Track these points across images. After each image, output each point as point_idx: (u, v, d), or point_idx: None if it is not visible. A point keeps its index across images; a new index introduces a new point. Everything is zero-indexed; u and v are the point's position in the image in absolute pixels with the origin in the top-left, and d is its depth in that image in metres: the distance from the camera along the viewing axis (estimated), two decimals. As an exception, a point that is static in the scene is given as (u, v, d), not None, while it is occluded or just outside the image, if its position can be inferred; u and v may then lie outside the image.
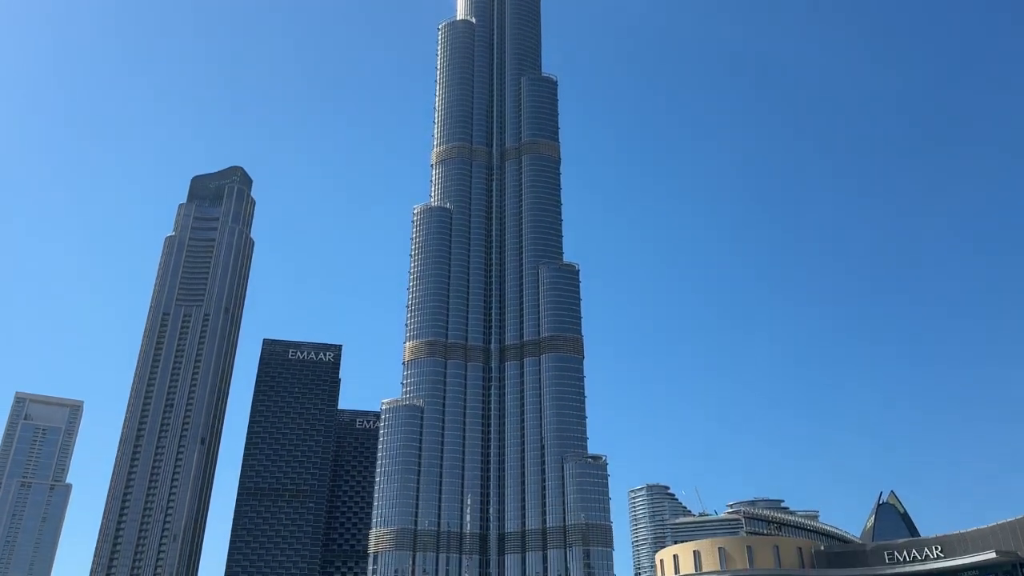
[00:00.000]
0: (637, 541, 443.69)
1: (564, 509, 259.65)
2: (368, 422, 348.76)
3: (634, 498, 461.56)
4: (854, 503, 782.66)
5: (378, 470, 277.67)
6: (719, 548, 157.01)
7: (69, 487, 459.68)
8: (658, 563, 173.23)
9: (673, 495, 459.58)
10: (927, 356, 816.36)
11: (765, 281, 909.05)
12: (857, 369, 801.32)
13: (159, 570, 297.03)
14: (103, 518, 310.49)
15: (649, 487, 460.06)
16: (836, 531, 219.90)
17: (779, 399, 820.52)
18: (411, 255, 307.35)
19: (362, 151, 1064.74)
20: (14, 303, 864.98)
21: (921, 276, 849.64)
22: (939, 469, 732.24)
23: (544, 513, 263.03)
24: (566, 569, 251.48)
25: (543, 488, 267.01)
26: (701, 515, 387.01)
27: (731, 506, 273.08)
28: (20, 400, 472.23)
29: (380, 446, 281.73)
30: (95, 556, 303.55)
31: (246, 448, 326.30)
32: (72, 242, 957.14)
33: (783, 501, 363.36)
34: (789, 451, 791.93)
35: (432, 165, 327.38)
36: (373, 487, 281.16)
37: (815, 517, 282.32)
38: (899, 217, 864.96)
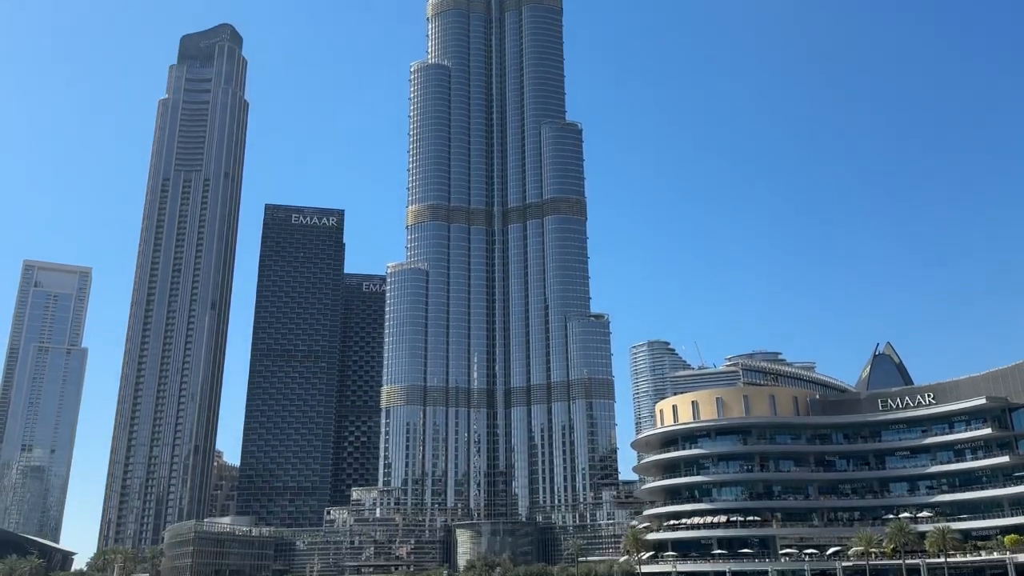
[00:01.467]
0: (638, 394, 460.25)
1: (568, 365, 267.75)
2: (375, 286, 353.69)
3: (635, 354, 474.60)
4: (851, 355, 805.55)
5: (386, 331, 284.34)
6: (717, 398, 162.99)
7: (85, 351, 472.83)
8: (658, 413, 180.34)
9: (673, 350, 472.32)
10: (930, 203, 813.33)
11: (769, 132, 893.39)
12: (858, 219, 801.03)
13: (179, 430, 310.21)
14: (121, 381, 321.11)
15: (650, 343, 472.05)
16: (832, 381, 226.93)
17: (778, 252, 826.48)
18: (410, 117, 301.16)
19: (355, 6, 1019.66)
20: (14, 173, 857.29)
21: (927, 123, 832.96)
22: (936, 320, 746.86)
23: (548, 369, 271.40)
24: (569, 420, 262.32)
25: (547, 346, 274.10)
26: (700, 368, 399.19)
27: (729, 359, 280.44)
28: (29, 268, 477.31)
29: (387, 308, 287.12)
30: (116, 417, 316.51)
31: (256, 312, 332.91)
32: (68, 107, 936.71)
33: (781, 353, 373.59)
34: (787, 305, 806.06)
35: (428, 18, 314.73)
36: (383, 347, 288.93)
37: (812, 368, 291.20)
38: (904, 63, 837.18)
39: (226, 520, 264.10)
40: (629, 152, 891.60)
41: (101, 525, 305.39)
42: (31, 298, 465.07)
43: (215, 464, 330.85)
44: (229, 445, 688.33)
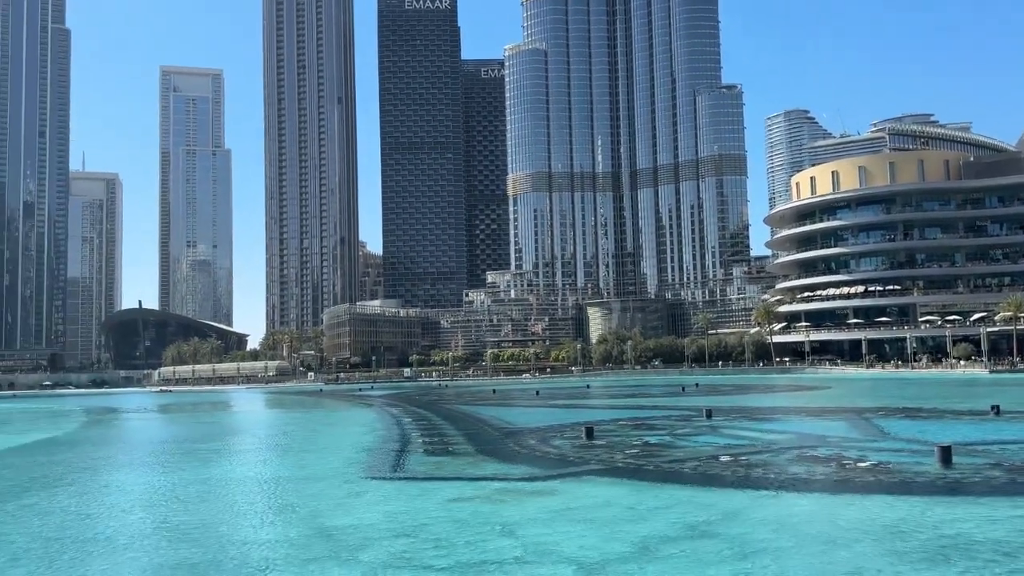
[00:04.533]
0: (773, 168, 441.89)
1: (697, 142, 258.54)
2: (493, 71, 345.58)
3: (770, 125, 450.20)
4: (1012, 114, 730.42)
5: (508, 118, 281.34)
6: (859, 167, 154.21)
7: (229, 152, 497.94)
8: (794, 187, 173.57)
9: (812, 119, 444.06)
10: None
11: None
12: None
13: (324, 223, 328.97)
14: (265, 179, 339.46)
15: (787, 113, 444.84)
16: (989, 141, 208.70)
17: (928, 6, 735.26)
18: None
19: None
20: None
21: None
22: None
23: (676, 147, 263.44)
24: (699, 199, 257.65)
25: (675, 123, 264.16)
26: (842, 137, 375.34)
27: (875, 125, 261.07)
28: (166, 74, 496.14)
29: (507, 94, 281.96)
30: (266, 213, 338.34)
31: (381, 105, 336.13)
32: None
33: (933, 115, 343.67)
34: (941, 63, 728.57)
35: None
36: (506, 135, 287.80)
37: (967, 130, 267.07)
38: None
39: (375, 303, 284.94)
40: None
41: (267, 310, 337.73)
42: (172, 103, 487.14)
43: (360, 253, 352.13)
44: (370, 236, 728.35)
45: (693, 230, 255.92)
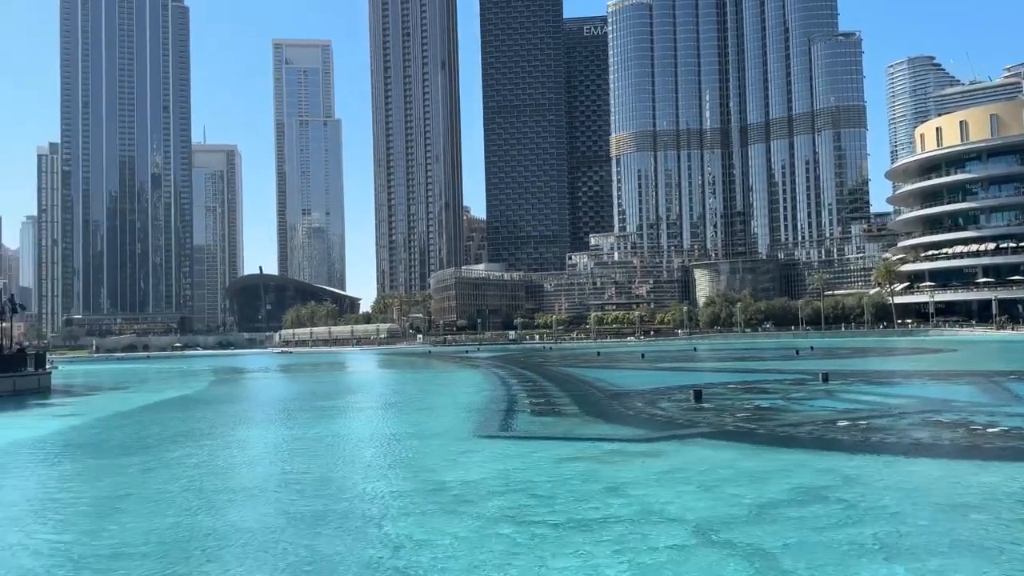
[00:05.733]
0: (895, 119, 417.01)
1: (812, 94, 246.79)
2: (596, 28, 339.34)
3: (892, 74, 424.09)
4: None
5: (611, 76, 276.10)
6: (991, 115, 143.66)
7: (339, 122, 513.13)
8: (917, 138, 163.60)
9: (938, 65, 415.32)
10: None
11: None
12: None
13: (430, 189, 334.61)
14: (373, 147, 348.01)
15: (910, 60, 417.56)
16: None
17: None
18: None
19: None
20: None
21: None
22: None
23: (790, 100, 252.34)
24: (814, 153, 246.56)
25: (788, 74, 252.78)
26: (971, 84, 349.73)
27: (1008, 69, 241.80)
28: (278, 46, 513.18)
29: (610, 51, 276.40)
30: (375, 180, 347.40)
31: (483, 69, 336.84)
32: None
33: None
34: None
35: None
36: (608, 94, 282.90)
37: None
38: None
39: (480, 267, 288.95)
40: None
41: (377, 275, 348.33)
42: (284, 75, 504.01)
43: (465, 218, 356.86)
44: (474, 201, 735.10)
45: (808, 187, 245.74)
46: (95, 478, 18.46)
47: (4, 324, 68.62)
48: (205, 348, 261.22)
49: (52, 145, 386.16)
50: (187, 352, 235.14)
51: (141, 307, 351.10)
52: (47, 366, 59.38)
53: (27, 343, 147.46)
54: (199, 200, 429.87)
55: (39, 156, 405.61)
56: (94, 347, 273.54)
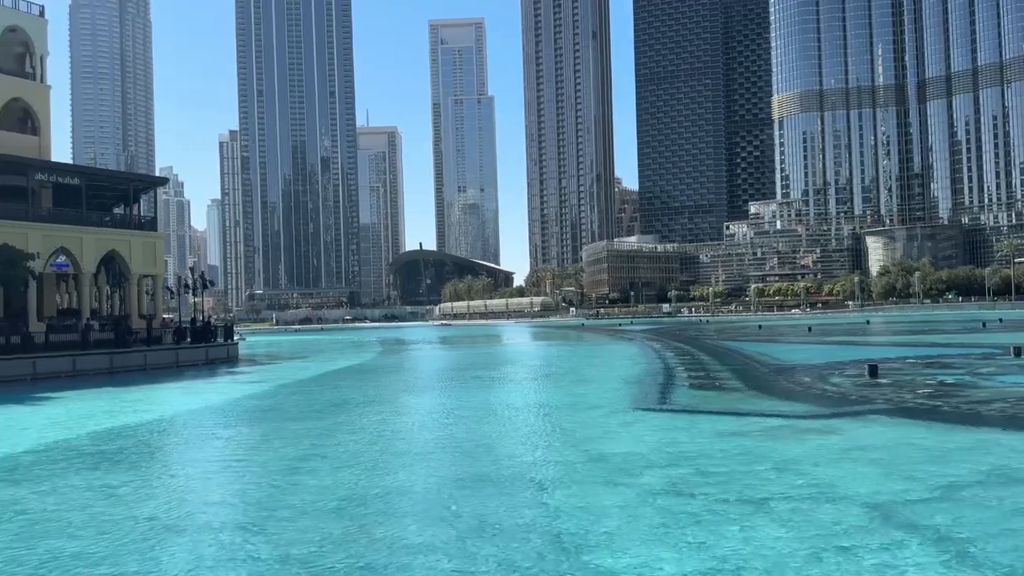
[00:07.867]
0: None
1: (1001, 42, 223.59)
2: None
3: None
4: None
5: (772, 33, 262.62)
6: None
7: (492, 99, 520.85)
8: None
9: None
10: None
11: None
12: None
13: (581, 162, 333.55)
14: (525, 122, 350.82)
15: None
16: None
17: None
18: None
19: None
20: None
21: None
22: None
23: (974, 50, 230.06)
24: (1003, 109, 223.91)
25: (972, 21, 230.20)
26: None
27: None
28: (433, 28, 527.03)
29: (771, 7, 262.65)
30: (527, 155, 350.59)
31: (635, 35, 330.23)
32: None
33: None
34: None
35: None
36: (770, 54, 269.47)
37: None
38: None
39: (632, 239, 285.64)
40: None
41: (530, 249, 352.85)
42: (440, 55, 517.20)
43: (616, 190, 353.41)
44: (626, 172, 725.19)
45: (996, 144, 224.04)
46: (280, 439, 19.94)
47: (197, 299, 75.46)
48: (372, 321, 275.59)
49: (232, 133, 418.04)
50: (356, 324, 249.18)
51: (314, 282, 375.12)
52: (235, 337, 64.71)
53: (215, 316, 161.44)
54: (363, 181, 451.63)
55: (220, 143, 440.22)
56: (274, 320, 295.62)
